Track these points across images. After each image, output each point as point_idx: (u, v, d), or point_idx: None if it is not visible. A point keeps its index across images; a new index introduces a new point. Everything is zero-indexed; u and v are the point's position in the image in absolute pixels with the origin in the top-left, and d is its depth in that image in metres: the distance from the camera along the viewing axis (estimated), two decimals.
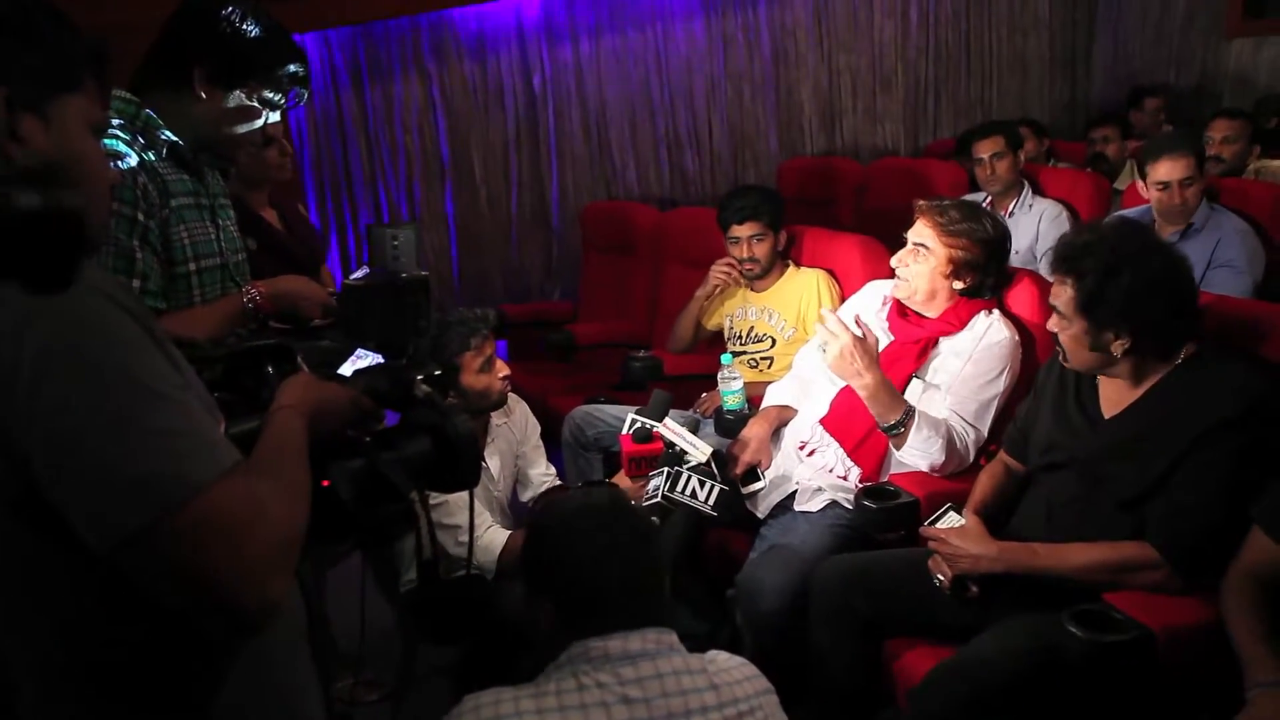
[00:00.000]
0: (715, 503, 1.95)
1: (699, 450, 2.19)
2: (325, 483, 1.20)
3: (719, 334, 3.24)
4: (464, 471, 1.28)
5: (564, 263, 4.61)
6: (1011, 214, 3.52)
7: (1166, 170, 2.84)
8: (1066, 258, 1.82)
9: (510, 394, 2.50)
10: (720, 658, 1.30)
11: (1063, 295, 1.82)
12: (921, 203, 2.36)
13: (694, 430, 2.25)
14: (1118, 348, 1.78)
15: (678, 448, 2.20)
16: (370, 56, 4.15)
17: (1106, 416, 1.86)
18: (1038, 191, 3.58)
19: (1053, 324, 1.88)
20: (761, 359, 3.05)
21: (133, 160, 1.68)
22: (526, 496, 2.54)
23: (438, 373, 1.29)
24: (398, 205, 4.31)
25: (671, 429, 2.21)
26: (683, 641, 1.31)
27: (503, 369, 2.30)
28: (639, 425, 2.23)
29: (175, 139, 1.75)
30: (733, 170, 4.89)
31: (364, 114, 4.18)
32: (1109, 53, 5.85)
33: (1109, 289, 1.74)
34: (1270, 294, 2.71)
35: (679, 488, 1.95)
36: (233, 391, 1.33)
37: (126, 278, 1.67)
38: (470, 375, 2.24)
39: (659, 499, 1.94)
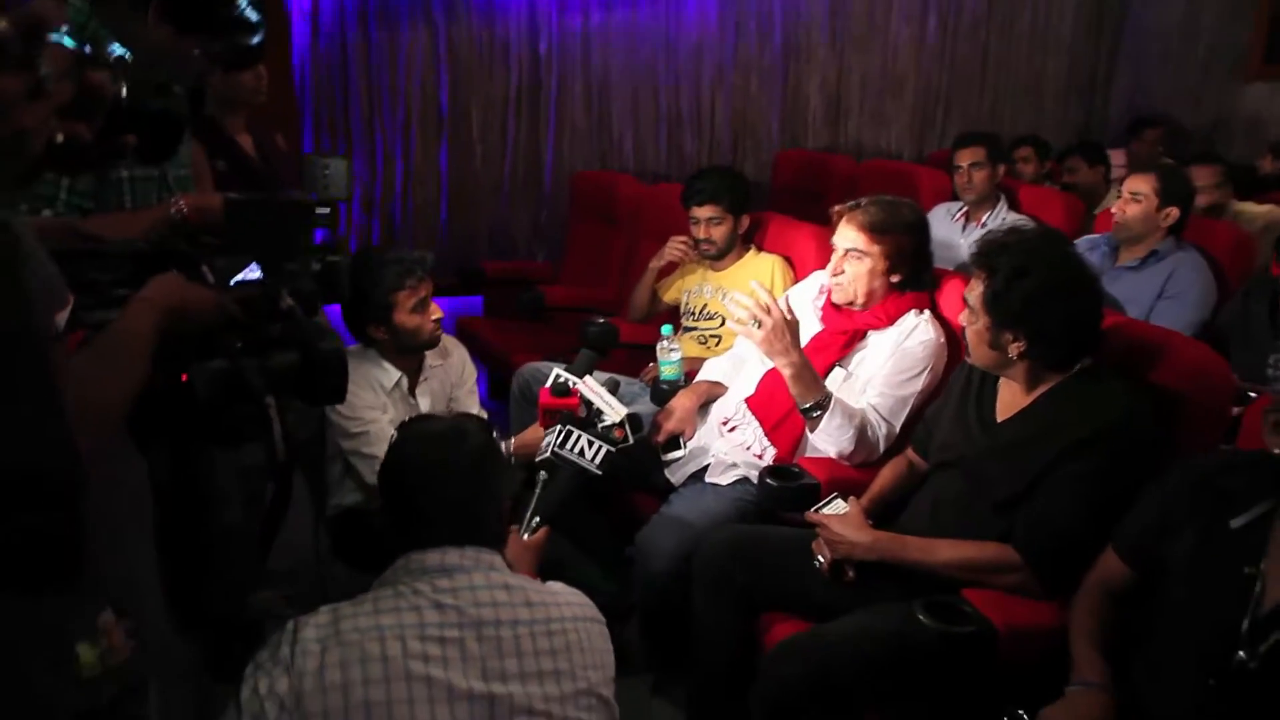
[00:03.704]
0: (601, 462, 2.01)
1: (614, 411, 2.24)
2: (184, 377, 1.27)
3: (679, 308, 3.29)
4: (326, 388, 1.34)
5: (551, 227, 4.67)
6: (984, 225, 3.54)
7: (1128, 184, 2.98)
8: (984, 253, 1.86)
9: (449, 338, 2.56)
10: (555, 585, 1.36)
11: (975, 290, 1.86)
12: (838, 208, 2.38)
13: (613, 390, 2.30)
14: (1014, 349, 1.82)
15: (594, 406, 2.25)
16: (379, 1, 4.20)
17: (999, 420, 1.90)
18: (1013, 207, 3.59)
19: (963, 317, 1.92)
20: (710, 336, 3.09)
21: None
22: None
23: (311, 289, 1.35)
24: (392, 152, 4.38)
25: (590, 387, 2.26)
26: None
27: (436, 312, 2.36)
28: (561, 379, 2.29)
29: (122, 53, 1.81)
30: (731, 154, 4.93)
31: (367, 58, 4.24)
32: (1128, 83, 5.82)
33: (1013, 290, 1.78)
34: (1215, 333, 2.73)
35: (568, 445, 2.01)
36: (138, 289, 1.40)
37: (55, 175, 1.74)
38: (403, 313, 2.30)
39: (548, 455, 2.00)
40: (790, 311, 2.34)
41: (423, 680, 1.15)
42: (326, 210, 2.00)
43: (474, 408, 2.61)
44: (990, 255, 1.83)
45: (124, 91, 0.98)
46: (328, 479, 2.49)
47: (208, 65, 2.03)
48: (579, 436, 2.01)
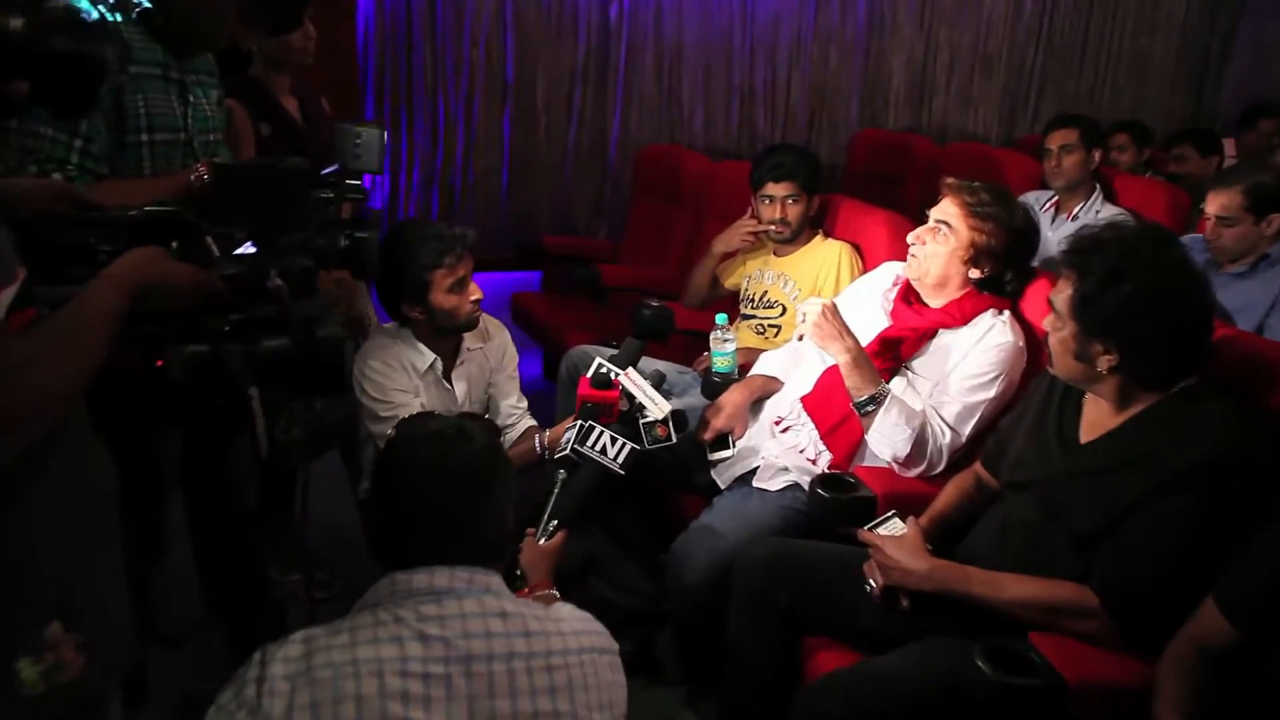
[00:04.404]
0: (624, 461, 1.85)
1: (657, 406, 2.09)
2: (160, 362, 1.16)
3: (738, 295, 3.10)
4: (319, 379, 1.21)
5: (615, 202, 4.52)
6: (1076, 217, 3.26)
7: (1210, 204, 2.62)
8: (1075, 251, 1.64)
9: (491, 320, 2.43)
10: (562, 611, 1.21)
11: (1063, 292, 1.64)
12: (950, 180, 2.19)
13: (658, 384, 2.14)
14: (1104, 363, 1.60)
15: (636, 400, 2.10)
16: None
17: (1082, 441, 1.69)
18: (1109, 198, 3.30)
19: (1047, 322, 1.71)
20: (769, 326, 2.90)
21: (94, 18, 1.65)
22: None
23: (307, 266, 1.22)
24: (455, 120, 4.27)
25: (633, 380, 2.11)
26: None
27: (475, 292, 2.23)
28: (602, 370, 2.14)
29: (149, 5, 1.71)
30: (806, 132, 4.69)
31: (433, 22, 4.12)
32: (1244, 67, 5.38)
33: (1106, 295, 1.56)
34: None
35: (589, 442, 1.86)
36: None
37: (68, 136, 1.64)
38: (440, 293, 2.17)
39: (568, 452, 1.85)
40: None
41: None
42: (357, 184, 1.88)
43: (514, 395, 2.48)
44: (1082, 253, 1.61)
45: (17, 28, 0.83)
46: (361, 462, 2.39)
47: (246, 27, 1.92)
48: (601, 433, 1.86)
